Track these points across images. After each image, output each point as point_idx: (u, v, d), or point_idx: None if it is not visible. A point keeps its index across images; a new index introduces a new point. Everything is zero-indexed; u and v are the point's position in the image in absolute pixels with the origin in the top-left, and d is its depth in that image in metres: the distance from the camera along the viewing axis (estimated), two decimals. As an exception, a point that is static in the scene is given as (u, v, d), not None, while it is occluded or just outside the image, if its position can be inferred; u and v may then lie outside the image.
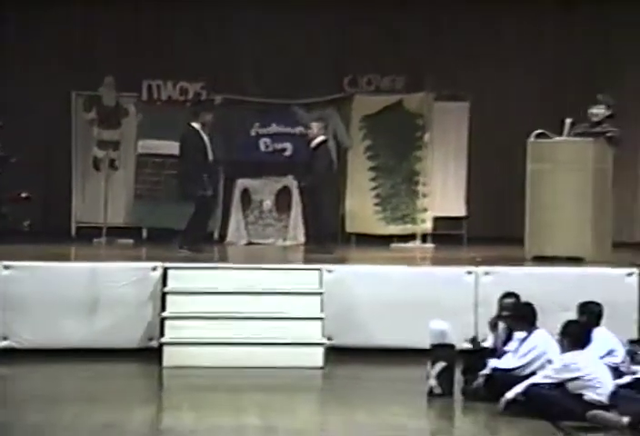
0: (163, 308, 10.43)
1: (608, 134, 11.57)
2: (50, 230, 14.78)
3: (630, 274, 10.71)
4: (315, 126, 13.40)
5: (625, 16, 14.65)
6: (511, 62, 15.78)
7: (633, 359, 8.67)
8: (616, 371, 8.43)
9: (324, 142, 13.19)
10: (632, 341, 9.12)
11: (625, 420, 7.72)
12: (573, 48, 15.55)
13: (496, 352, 9.01)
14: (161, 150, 15.03)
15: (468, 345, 9.42)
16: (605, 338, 8.80)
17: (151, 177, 15.34)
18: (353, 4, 15.43)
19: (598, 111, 11.67)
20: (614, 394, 8.02)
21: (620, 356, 8.74)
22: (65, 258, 11.94)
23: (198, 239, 12.71)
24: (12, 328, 10.43)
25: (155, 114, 15.23)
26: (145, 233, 15.16)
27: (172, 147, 13.89)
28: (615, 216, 12.11)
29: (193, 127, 12.68)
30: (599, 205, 11.51)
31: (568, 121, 11.60)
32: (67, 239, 14.77)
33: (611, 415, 7.80)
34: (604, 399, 7.96)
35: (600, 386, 8.02)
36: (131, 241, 14.65)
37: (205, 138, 12.66)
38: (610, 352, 8.71)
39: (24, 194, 13.71)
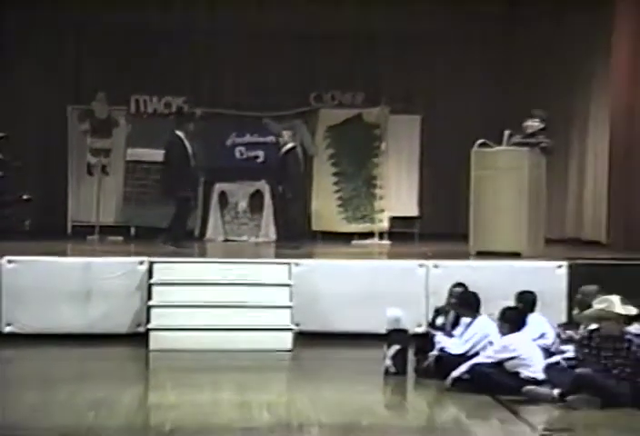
0: (149, 297, 10.41)
1: (542, 145, 11.63)
2: (48, 228, 14.70)
3: (560, 267, 10.76)
4: (285, 134, 13.46)
5: (554, 40, 14.78)
6: (457, 81, 15.86)
7: (561, 340, 8.78)
8: (548, 352, 8.51)
9: (293, 148, 13.24)
10: (561, 325, 9.24)
11: (556, 392, 7.80)
12: (511, 69, 15.68)
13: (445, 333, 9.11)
14: (147, 157, 14.97)
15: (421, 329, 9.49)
16: (538, 322, 8.88)
17: (138, 181, 15.28)
18: (319, 29, 15.47)
19: (533, 124, 11.73)
20: (545, 371, 8.13)
21: (551, 338, 8.82)
22: (62, 253, 11.83)
23: (180, 236, 12.71)
24: (15, 315, 10.40)
25: (142, 126, 15.18)
26: (133, 231, 15.10)
27: (157, 155, 13.85)
28: (547, 216, 12.21)
29: (177, 135, 12.69)
30: (534, 207, 11.57)
31: (507, 132, 11.64)
32: (64, 236, 14.70)
33: (543, 390, 7.88)
34: (537, 376, 8.06)
35: (533, 365, 8.12)
36: (120, 238, 14.60)
37: (188, 145, 12.67)
38: (542, 335, 8.78)
39: (25, 196, 13.66)
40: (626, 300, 8.15)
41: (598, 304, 8.02)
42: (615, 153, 13.19)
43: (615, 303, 7.93)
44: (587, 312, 8.17)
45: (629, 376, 7.77)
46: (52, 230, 14.69)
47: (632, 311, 7.97)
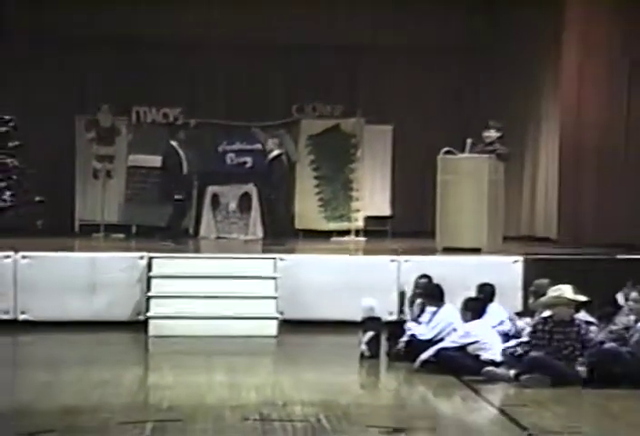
0: (148, 289, 10.42)
1: (498, 152, 11.63)
2: (58, 227, 14.64)
3: (516, 261, 10.80)
4: (271, 142, 13.49)
5: (510, 51, 14.87)
6: (425, 94, 15.87)
7: (516, 328, 8.82)
8: (506, 337, 8.56)
9: (279, 155, 13.27)
10: (517, 314, 9.30)
11: (512, 373, 7.88)
12: (472, 85, 15.77)
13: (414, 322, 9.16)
14: (147, 163, 14.89)
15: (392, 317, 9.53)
16: (497, 311, 8.92)
17: (139, 184, 15.22)
18: (302, 47, 15.52)
19: (489, 134, 11.72)
20: (503, 354, 8.20)
21: (508, 325, 8.91)
22: (70, 249, 11.84)
23: (177, 234, 12.72)
24: (28, 305, 10.39)
25: (142, 134, 15.16)
26: (134, 229, 15.04)
27: (155, 161, 13.86)
28: (505, 215, 12.25)
29: (172, 145, 12.72)
30: (493, 207, 11.59)
31: (469, 141, 11.65)
32: (72, 234, 14.65)
33: (501, 370, 7.94)
34: (495, 358, 8.11)
35: (492, 348, 8.18)
36: (123, 235, 14.58)
37: (182, 154, 12.69)
38: (501, 323, 8.83)
39: (37, 198, 13.60)
40: (576, 289, 8.26)
41: (552, 292, 8.12)
42: (565, 158, 13.27)
43: (566, 291, 8.03)
44: (543, 298, 8.26)
45: (578, 357, 7.86)
46: (61, 228, 14.62)
47: (581, 297, 8.07)
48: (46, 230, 14.01)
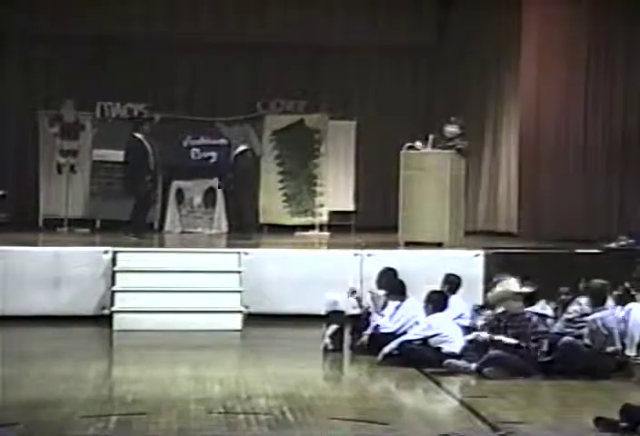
0: (113, 283, 10.37)
1: (458, 147, 11.65)
2: (22, 221, 14.50)
3: (477, 255, 10.86)
4: (237, 139, 13.44)
5: (472, 51, 14.95)
6: (388, 91, 15.94)
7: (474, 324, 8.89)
8: (466, 329, 8.65)
9: (245, 151, 13.24)
10: (477, 307, 9.35)
11: (473, 366, 7.96)
12: (433, 82, 15.86)
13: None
14: (111, 158, 14.77)
15: (354, 310, 9.56)
16: (458, 304, 9.02)
17: (103, 179, 15.11)
18: (266, 43, 15.50)
19: (451, 129, 11.74)
20: (464, 347, 8.27)
21: (468, 318, 8.97)
22: (34, 244, 11.75)
23: (140, 227, 12.64)
24: (-8, 299, 10.31)
25: (107, 129, 15.06)
26: (98, 224, 14.94)
27: (120, 155, 13.72)
28: (466, 211, 12.34)
29: (137, 137, 12.63)
30: (455, 202, 11.65)
31: (431, 137, 11.70)
32: (36, 228, 14.50)
33: (461, 363, 8.02)
34: (456, 351, 8.19)
35: (453, 341, 8.26)
36: (87, 230, 14.45)
37: (148, 145, 12.60)
38: (461, 315, 8.93)
39: (0, 192, 13.45)
40: (527, 281, 8.35)
41: (499, 287, 8.22)
42: (525, 154, 13.40)
43: (512, 284, 8.13)
44: (491, 294, 8.35)
45: (535, 348, 7.94)
46: (25, 222, 14.46)
47: (526, 289, 8.14)
48: (10, 224, 13.85)
